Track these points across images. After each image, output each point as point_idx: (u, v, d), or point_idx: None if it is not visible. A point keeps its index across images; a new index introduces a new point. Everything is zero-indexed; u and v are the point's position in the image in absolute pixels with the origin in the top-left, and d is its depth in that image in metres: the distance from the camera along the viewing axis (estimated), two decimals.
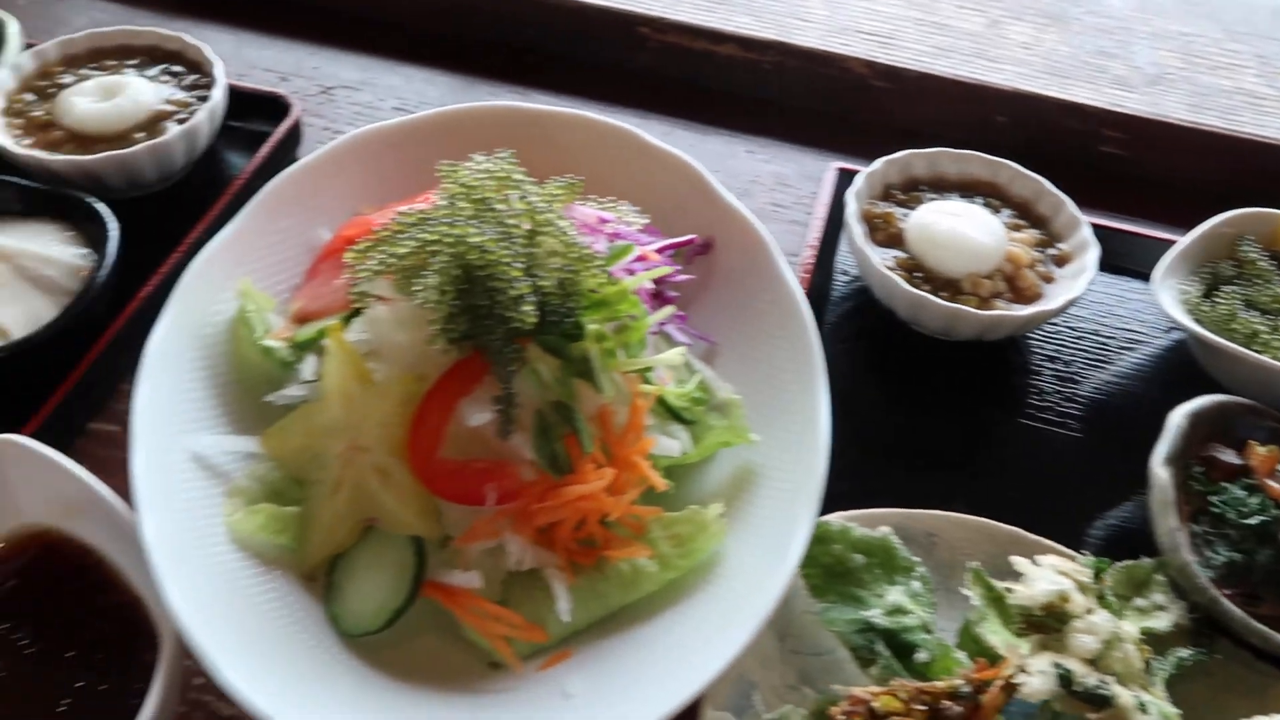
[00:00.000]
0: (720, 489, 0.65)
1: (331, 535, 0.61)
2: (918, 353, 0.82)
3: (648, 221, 0.70)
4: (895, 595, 0.60)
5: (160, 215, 0.82)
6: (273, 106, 0.93)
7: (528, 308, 0.54)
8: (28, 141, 0.82)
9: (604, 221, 0.67)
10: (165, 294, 0.79)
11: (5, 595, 0.60)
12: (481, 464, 0.58)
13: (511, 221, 0.58)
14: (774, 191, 0.95)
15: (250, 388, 0.68)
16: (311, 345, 0.66)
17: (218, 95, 0.86)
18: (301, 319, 0.70)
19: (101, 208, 0.76)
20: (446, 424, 0.58)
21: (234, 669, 0.52)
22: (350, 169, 0.78)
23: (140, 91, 0.86)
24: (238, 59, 1.04)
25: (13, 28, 0.92)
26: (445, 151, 0.80)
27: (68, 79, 0.88)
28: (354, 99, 1.02)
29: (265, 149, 0.88)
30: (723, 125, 1.01)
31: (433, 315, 0.56)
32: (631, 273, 0.66)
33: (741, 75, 1.02)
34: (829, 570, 0.61)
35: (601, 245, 0.65)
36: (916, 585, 0.61)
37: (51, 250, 0.75)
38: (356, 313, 0.66)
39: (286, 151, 0.91)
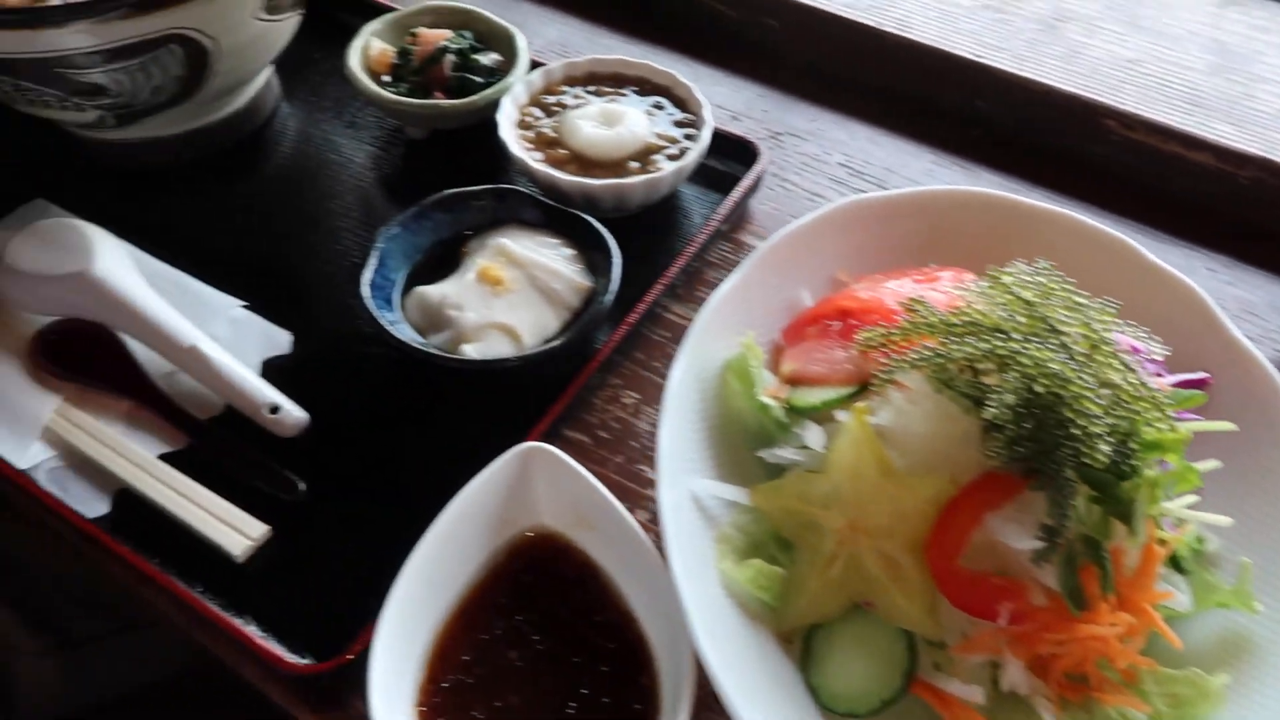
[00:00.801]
0: (1206, 652, 0.63)
1: (816, 605, 0.63)
2: None
3: (1169, 353, 0.68)
4: None
5: (628, 240, 0.86)
6: (738, 149, 0.97)
7: (1105, 448, 0.53)
8: (538, 156, 0.90)
9: (1135, 351, 0.65)
10: (646, 321, 0.85)
11: (519, 588, 0.66)
12: (1000, 581, 0.58)
13: (1075, 347, 0.58)
14: (1238, 320, 0.89)
15: (735, 437, 0.72)
16: (812, 412, 0.69)
17: (706, 137, 0.90)
18: (793, 381, 0.72)
19: (607, 235, 0.82)
20: (972, 533, 0.58)
21: (749, 712, 0.55)
22: (834, 235, 0.81)
23: (637, 123, 0.91)
24: None
25: (521, 42, 1.00)
26: (924, 230, 0.81)
27: (567, 99, 0.96)
28: (801, 149, 1.04)
29: (737, 193, 0.92)
30: (1181, 235, 0.96)
31: (1000, 436, 0.56)
32: None
33: (1211, 186, 0.97)
34: None
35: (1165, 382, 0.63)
36: None
37: (558, 265, 0.82)
38: (859, 390, 0.68)
39: (747, 197, 0.95)
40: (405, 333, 0.78)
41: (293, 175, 0.99)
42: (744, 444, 0.72)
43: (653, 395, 0.83)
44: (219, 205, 0.96)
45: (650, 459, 0.79)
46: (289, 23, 0.92)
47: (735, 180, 0.95)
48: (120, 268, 0.82)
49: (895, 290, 0.74)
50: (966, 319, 0.61)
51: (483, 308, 0.79)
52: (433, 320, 0.80)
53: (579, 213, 0.84)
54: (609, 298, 0.78)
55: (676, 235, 0.93)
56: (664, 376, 0.83)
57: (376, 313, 0.77)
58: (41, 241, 0.84)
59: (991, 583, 0.58)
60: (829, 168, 1.02)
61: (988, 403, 0.56)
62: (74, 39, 0.77)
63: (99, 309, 0.81)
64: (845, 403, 0.68)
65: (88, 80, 0.81)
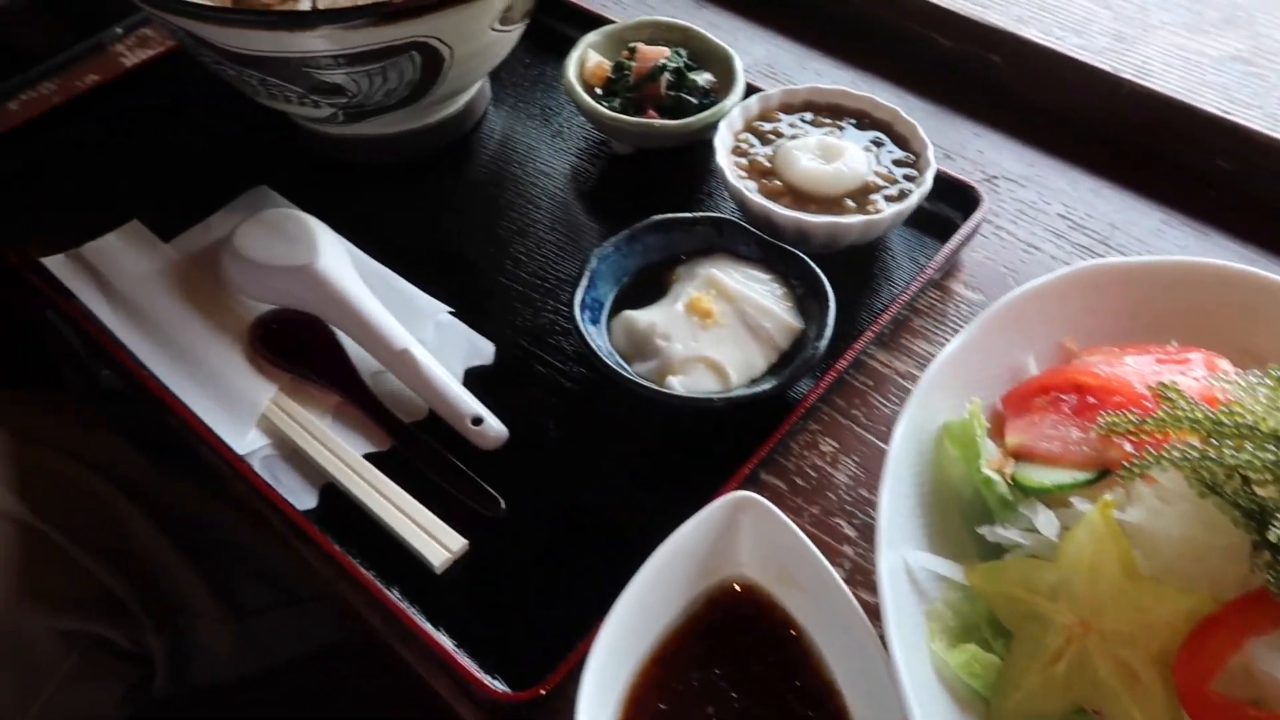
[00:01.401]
0: None
1: (1033, 703, 0.59)
2: None
3: None
4: None
5: (834, 279, 0.82)
6: (956, 193, 0.93)
7: None
8: (752, 186, 0.88)
9: None
10: (854, 371, 0.83)
11: (718, 641, 0.64)
12: (1256, 713, 0.53)
13: None
14: None
15: (949, 507, 0.69)
16: (1042, 493, 0.65)
17: (928, 180, 0.87)
18: (1018, 455, 0.68)
19: (824, 279, 0.79)
20: (1230, 656, 0.54)
21: None
22: (1066, 299, 0.76)
23: (856, 160, 0.88)
24: None
25: (738, 65, 0.98)
26: (1168, 304, 0.76)
27: (783, 127, 0.94)
28: (1017, 195, 0.99)
29: (954, 242, 0.88)
30: None
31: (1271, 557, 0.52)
32: None
33: None
34: None
35: None
36: None
37: (769, 303, 0.80)
38: (1098, 477, 0.64)
39: (963, 245, 0.90)
40: (612, 357, 0.77)
41: (498, 182, 1.00)
42: (959, 515, 0.68)
43: (850, 444, 0.80)
44: (427, 206, 0.98)
45: (847, 513, 0.76)
46: (515, 33, 0.93)
47: (948, 224, 0.92)
48: (341, 265, 0.85)
49: (1138, 369, 0.69)
50: (1239, 420, 0.56)
51: (690, 340, 0.78)
52: (639, 347, 0.79)
53: (795, 250, 0.82)
54: (822, 345, 0.76)
55: (884, 278, 0.90)
56: (863, 425, 0.81)
57: (587, 335, 0.76)
58: (267, 231, 0.87)
59: (1247, 713, 0.53)
60: (1047, 218, 0.97)
61: (1273, 523, 0.51)
62: (322, 43, 0.79)
63: (318, 303, 0.83)
64: (1082, 489, 0.63)
65: (329, 80, 0.83)
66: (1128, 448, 0.62)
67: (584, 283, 0.80)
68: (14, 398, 0.95)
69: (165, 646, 0.92)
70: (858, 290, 0.88)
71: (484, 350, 0.84)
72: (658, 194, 0.97)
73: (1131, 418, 0.61)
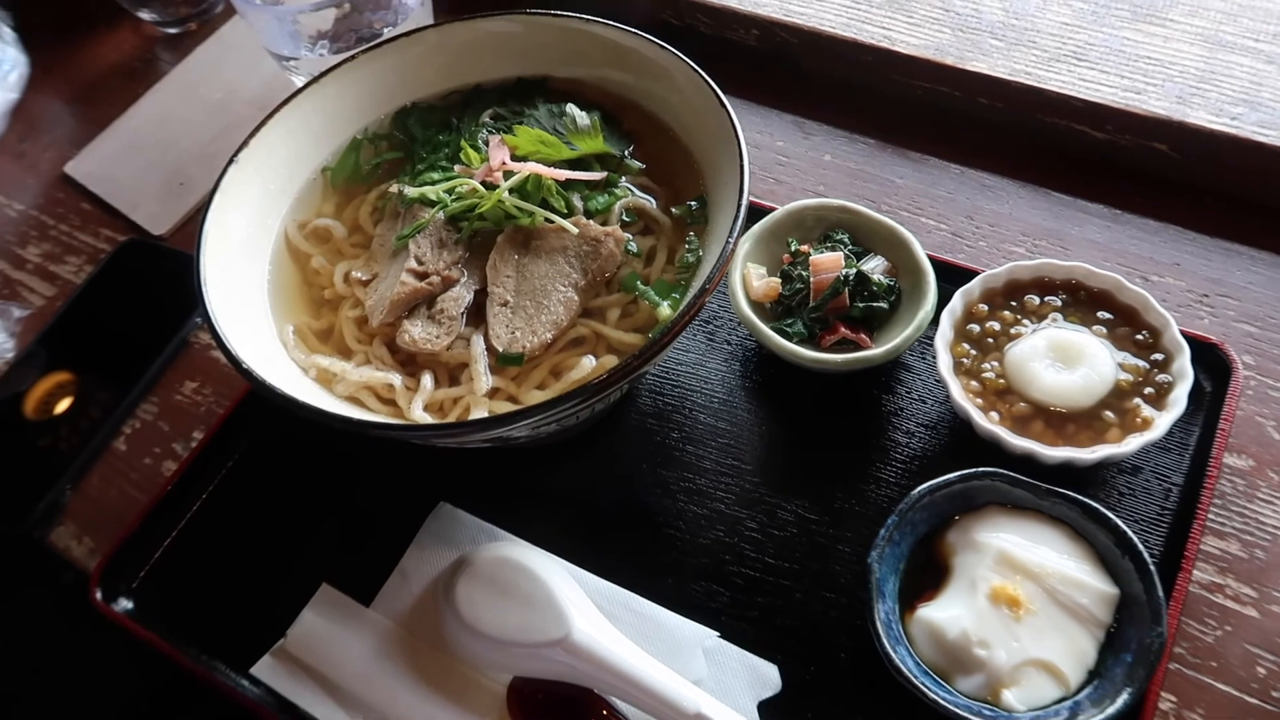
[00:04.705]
0: None
1: None
2: None
3: None
4: None
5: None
6: (1200, 353, 0.83)
7: None
8: (995, 417, 0.80)
9: None
10: None
11: None
12: None
13: None
14: None
15: None
16: None
17: (1187, 370, 0.78)
18: None
19: (1130, 534, 0.72)
20: None
21: None
22: None
23: (1098, 359, 0.80)
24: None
25: (916, 245, 0.89)
26: None
27: (994, 323, 0.85)
28: (1242, 311, 0.91)
29: (1220, 436, 0.80)
30: None
31: None
32: None
33: None
34: None
35: None
36: None
37: (1074, 572, 0.73)
38: None
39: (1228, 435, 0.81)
40: (938, 690, 0.70)
41: (689, 437, 0.89)
42: None
43: (1188, 694, 0.74)
44: (614, 474, 0.88)
45: None
46: None
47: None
48: (596, 623, 0.77)
49: None
50: None
51: (1010, 640, 0.71)
52: (956, 660, 0.72)
53: (1082, 499, 0.74)
54: (1163, 629, 0.69)
55: (1150, 465, 0.82)
56: (1191, 665, 0.75)
57: (904, 668, 0.70)
58: (491, 592, 0.78)
59: None
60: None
61: None
62: (524, 429, 0.70)
63: (582, 672, 0.75)
64: None
65: (517, 436, 0.74)
66: None
67: (874, 600, 0.73)
68: None
69: None
70: (1121, 494, 0.81)
71: (769, 676, 0.77)
72: (873, 406, 0.88)
73: None
